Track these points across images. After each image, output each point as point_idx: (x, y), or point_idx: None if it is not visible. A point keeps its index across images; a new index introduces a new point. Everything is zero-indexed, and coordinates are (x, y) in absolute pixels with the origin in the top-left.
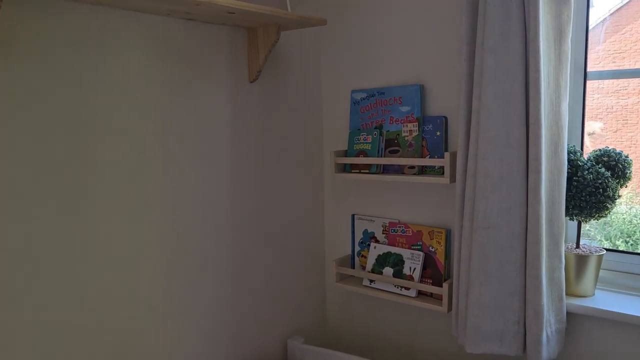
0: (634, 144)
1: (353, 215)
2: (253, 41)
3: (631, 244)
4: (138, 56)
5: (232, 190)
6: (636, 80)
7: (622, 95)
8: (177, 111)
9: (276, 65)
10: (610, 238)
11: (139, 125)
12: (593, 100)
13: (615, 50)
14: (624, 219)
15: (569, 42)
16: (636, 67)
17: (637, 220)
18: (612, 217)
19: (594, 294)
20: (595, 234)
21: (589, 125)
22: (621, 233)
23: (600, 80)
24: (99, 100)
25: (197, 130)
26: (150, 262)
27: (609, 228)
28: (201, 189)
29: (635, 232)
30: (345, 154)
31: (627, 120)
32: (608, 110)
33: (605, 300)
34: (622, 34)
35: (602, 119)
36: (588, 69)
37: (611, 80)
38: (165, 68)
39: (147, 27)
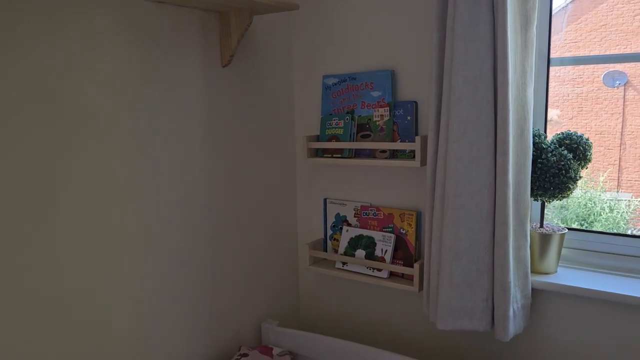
0: (589, 131)
1: (325, 199)
2: (225, 25)
3: (585, 227)
4: (108, 39)
5: (205, 175)
6: (590, 69)
7: (577, 84)
8: (148, 96)
9: (248, 50)
10: (567, 221)
11: (108, 110)
12: (550, 88)
13: (571, 40)
14: (579, 202)
15: (534, 29)
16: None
17: (591, 204)
18: (568, 201)
19: (556, 271)
20: (552, 217)
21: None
22: (576, 216)
23: (558, 69)
24: (67, 83)
25: (168, 115)
26: (120, 247)
27: (565, 212)
28: (173, 173)
29: (589, 215)
30: (317, 138)
31: (582, 107)
32: (564, 98)
33: (567, 277)
34: (578, 24)
35: (558, 106)
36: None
37: (567, 69)
38: (136, 51)
39: (118, 10)
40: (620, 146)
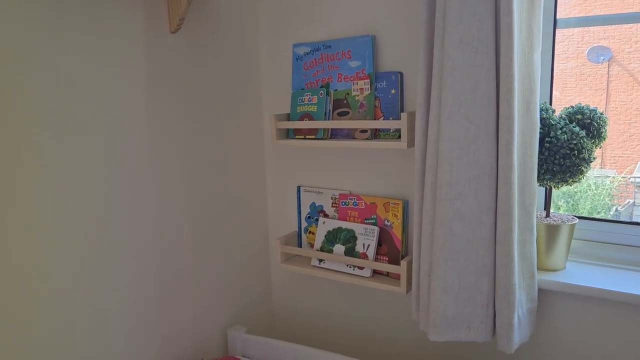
0: None
1: (299, 187)
2: None
3: (572, 204)
4: (32, 4)
5: (157, 163)
6: (574, 44)
7: (562, 60)
8: (80, 71)
9: (203, 13)
10: (553, 198)
11: (35, 87)
12: None
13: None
14: None
15: None
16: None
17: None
18: None
19: (565, 267)
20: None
21: None
22: (562, 194)
23: None
24: None
25: (107, 94)
26: (56, 245)
27: None
28: (118, 163)
29: (575, 193)
30: (288, 117)
31: (566, 84)
32: None
33: (578, 274)
34: None
35: None
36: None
37: (550, 45)
38: (65, 16)
39: None
40: None
